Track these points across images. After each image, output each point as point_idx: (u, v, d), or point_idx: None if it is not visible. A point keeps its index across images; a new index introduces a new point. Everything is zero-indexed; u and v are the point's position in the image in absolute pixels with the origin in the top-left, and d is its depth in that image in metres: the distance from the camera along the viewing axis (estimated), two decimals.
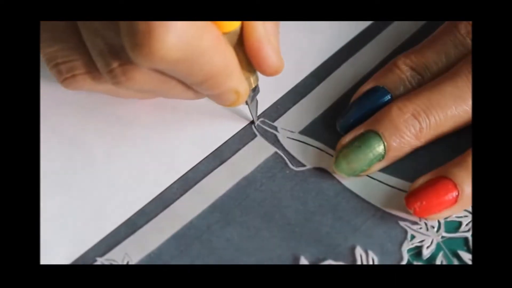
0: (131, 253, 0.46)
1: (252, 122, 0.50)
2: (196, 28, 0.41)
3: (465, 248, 0.46)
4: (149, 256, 0.46)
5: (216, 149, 0.49)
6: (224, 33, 0.44)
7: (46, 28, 0.45)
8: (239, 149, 0.49)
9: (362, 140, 0.47)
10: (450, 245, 0.46)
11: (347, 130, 0.49)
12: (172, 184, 0.48)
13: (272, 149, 0.49)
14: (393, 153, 0.47)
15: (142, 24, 0.40)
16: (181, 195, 0.48)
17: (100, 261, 0.45)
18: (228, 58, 0.44)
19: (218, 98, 0.46)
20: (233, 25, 0.44)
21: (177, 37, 0.40)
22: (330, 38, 0.54)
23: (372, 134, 0.47)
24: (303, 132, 0.50)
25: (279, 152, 0.49)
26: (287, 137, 0.50)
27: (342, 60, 0.53)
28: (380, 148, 0.47)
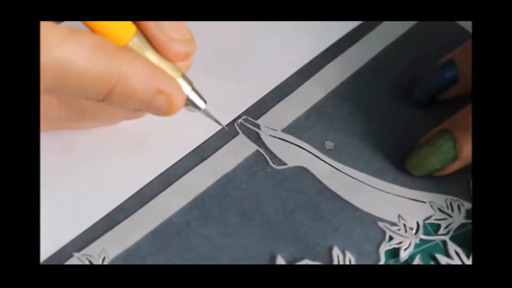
0: (108, 248, 0.46)
1: (234, 120, 0.50)
2: (54, 35, 0.40)
3: (443, 251, 0.45)
4: (126, 252, 0.46)
5: (197, 146, 0.49)
6: (125, 45, 0.43)
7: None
8: (221, 146, 0.49)
9: (435, 140, 0.47)
10: (427, 248, 0.46)
11: (424, 101, 0.50)
12: (152, 180, 0.48)
13: (253, 147, 0.49)
14: (467, 153, 0.47)
15: None
16: (161, 191, 0.48)
17: (76, 256, 0.45)
18: (126, 61, 0.42)
19: (148, 106, 0.44)
20: (127, 36, 0.43)
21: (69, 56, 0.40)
22: (318, 37, 0.54)
23: (446, 134, 0.47)
24: (286, 130, 0.50)
25: (261, 150, 0.49)
26: (270, 135, 0.50)
27: (328, 59, 0.53)
28: (452, 150, 0.47)
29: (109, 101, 0.43)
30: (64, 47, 0.40)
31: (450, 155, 0.47)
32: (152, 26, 0.43)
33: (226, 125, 0.50)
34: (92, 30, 0.42)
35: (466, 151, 0.47)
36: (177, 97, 0.44)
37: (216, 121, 0.47)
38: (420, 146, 0.48)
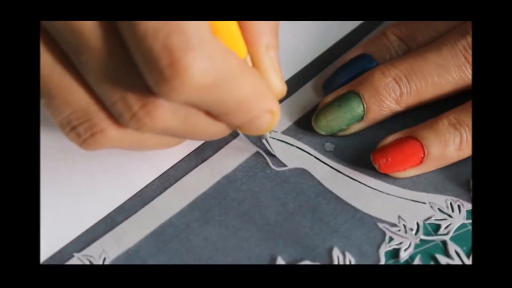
0: (108, 249, 0.46)
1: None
2: (219, 51, 0.40)
3: (443, 251, 0.45)
4: (126, 253, 0.46)
5: (198, 147, 0.49)
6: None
7: (54, 94, 0.42)
8: (221, 147, 0.49)
9: (343, 100, 0.49)
10: (428, 248, 0.45)
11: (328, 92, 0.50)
12: (152, 181, 0.48)
13: (254, 149, 0.49)
14: (372, 115, 0.48)
15: (164, 59, 0.38)
16: (161, 192, 0.48)
17: (77, 256, 0.45)
18: (257, 79, 0.43)
19: (252, 123, 0.44)
20: (243, 53, 0.44)
21: (205, 62, 0.39)
22: (318, 38, 0.54)
23: (353, 95, 0.48)
24: (286, 132, 0.50)
25: (261, 151, 0.49)
26: (270, 137, 0.50)
27: (329, 61, 0.53)
28: (359, 109, 0.48)
29: (227, 117, 0.43)
30: (230, 66, 0.41)
31: (357, 116, 0.48)
32: (266, 59, 0.45)
33: None
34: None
35: (372, 112, 0.48)
36: (278, 117, 0.45)
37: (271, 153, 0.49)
38: (327, 105, 0.49)
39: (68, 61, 0.42)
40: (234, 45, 0.43)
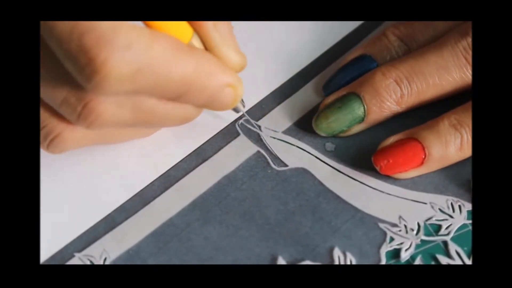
0: (109, 249, 0.46)
1: (236, 121, 0.50)
2: (138, 39, 0.41)
3: (444, 251, 0.45)
4: (127, 252, 0.46)
5: (198, 147, 0.49)
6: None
7: None
8: (222, 147, 0.49)
9: (343, 101, 0.49)
10: (428, 249, 0.46)
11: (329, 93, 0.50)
12: (153, 181, 0.48)
13: (254, 148, 0.49)
14: (373, 117, 0.48)
15: (81, 58, 0.40)
16: (162, 192, 0.48)
17: (78, 256, 0.45)
18: (201, 57, 0.43)
19: (214, 100, 0.45)
20: (188, 35, 0.44)
21: (121, 53, 0.40)
22: (319, 38, 0.54)
23: (354, 96, 0.48)
24: (287, 132, 0.50)
25: (262, 151, 0.49)
26: (270, 137, 0.50)
27: (329, 61, 0.53)
28: (360, 111, 0.48)
29: (183, 99, 0.44)
30: (154, 50, 0.41)
31: (358, 117, 0.48)
32: (214, 35, 0.45)
33: (227, 126, 0.50)
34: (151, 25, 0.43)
35: (373, 114, 0.48)
36: (240, 89, 0.45)
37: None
38: (328, 107, 0.49)
39: None
40: (174, 30, 0.43)
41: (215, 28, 0.45)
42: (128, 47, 0.40)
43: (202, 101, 0.45)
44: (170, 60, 0.42)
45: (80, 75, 0.40)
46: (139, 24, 0.41)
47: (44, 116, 0.44)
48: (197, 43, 0.45)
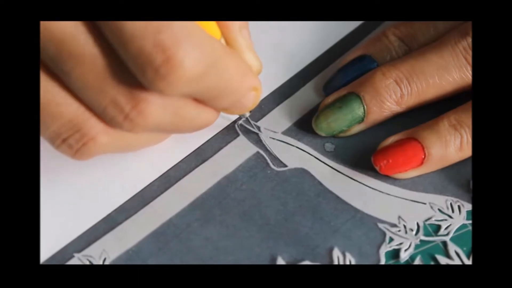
0: (109, 249, 0.46)
1: (235, 121, 0.50)
2: (205, 39, 0.41)
3: (443, 252, 0.45)
4: (127, 253, 0.46)
5: (198, 148, 0.49)
6: None
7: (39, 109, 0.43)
8: (221, 148, 0.49)
9: (344, 101, 0.49)
10: (428, 249, 0.46)
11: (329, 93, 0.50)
12: (153, 181, 0.48)
13: (254, 149, 0.49)
14: (373, 117, 0.48)
15: (158, 56, 0.39)
16: (162, 192, 0.48)
17: (77, 256, 0.45)
18: (239, 59, 0.44)
19: (239, 103, 0.45)
20: (218, 36, 0.45)
21: (196, 53, 0.40)
22: (319, 38, 0.54)
23: (354, 96, 0.48)
24: (286, 132, 0.50)
25: (261, 151, 0.49)
26: (270, 137, 0.50)
27: (329, 61, 0.53)
28: (360, 111, 0.48)
29: (215, 102, 0.44)
30: (217, 51, 0.41)
31: (358, 117, 0.48)
32: (240, 40, 0.45)
33: (227, 126, 0.50)
34: None
35: (373, 114, 0.48)
36: (261, 93, 0.46)
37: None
38: (328, 107, 0.49)
39: (50, 72, 0.42)
40: (210, 30, 0.44)
41: (240, 32, 0.45)
42: (200, 47, 0.40)
43: (228, 104, 0.45)
44: (224, 62, 0.42)
45: (153, 73, 0.39)
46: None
47: (79, 118, 0.42)
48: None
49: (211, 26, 0.44)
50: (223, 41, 0.45)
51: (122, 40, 0.40)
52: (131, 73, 0.41)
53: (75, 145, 0.43)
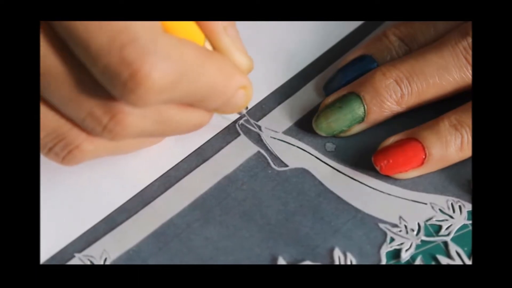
0: (109, 249, 0.46)
1: (236, 121, 0.50)
2: (174, 46, 0.41)
3: (444, 252, 0.45)
4: (127, 253, 0.46)
5: (198, 147, 0.49)
6: None
7: None
8: (222, 147, 0.49)
9: (344, 101, 0.49)
10: (429, 249, 0.46)
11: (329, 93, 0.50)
12: (153, 181, 0.48)
13: (255, 149, 0.49)
14: (373, 117, 0.48)
15: (123, 72, 0.39)
16: (162, 192, 0.48)
17: (78, 257, 0.45)
18: (221, 61, 0.44)
19: (229, 103, 0.45)
20: (201, 40, 0.45)
21: (162, 63, 0.40)
22: (319, 38, 0.54)
23: (354, 96, 0.48)
24: (287, 132, 0.50)
25: (262, 151, 0.49)
26: (271, 137, 0.50)
27: (330, 61, 0.53)
28: (360, 111, 0.48)
29: (202, 104, 0.44)
30: (187, 58, 0.41)
31: (358, 117, 0.48)
32: (225, 40, 0.45)
33: (227, 126, 0.50)
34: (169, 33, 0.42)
35: (373, 114, 0.48)
36: (251, 91, 0.46)
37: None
38: (328, 107, 0.49)
39: None
40: (190, 35, 0.44)
41: (225, 32, 0.45)
42: (167, 57, 0.40)
43: (217, 105, 0.45)
44: (200, 66, 0.42)
45: (121, 88, 0.40)
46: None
47: (63, 129, 0.43)
48: (209, 47, 0.45)
49: (192, 31, 0.44)
50: (207, 43, 0.45)
51: (89, 57, 0.40)
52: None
53: (60, 153, 0.44)
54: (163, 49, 0.40)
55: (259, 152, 0.49)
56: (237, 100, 0.45)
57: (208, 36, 0.45)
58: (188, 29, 0.44)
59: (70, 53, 0.41)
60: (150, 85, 0.40)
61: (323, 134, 0.49)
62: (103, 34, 0.39)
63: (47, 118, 0.43)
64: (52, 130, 0.43)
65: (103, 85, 0.41)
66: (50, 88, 0.42)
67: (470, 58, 0.47)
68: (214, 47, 0.45)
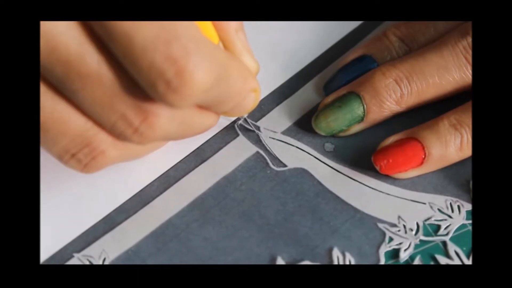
0: (108, 249, 0.46)
1: (235, 121, 0.50)
2: (211, 48, 0.41)
3: (443, 252, 0.45)
4: (126, 253, 0.46)
5: (197, 148, 0.49)
6: None
7: (47, 127, 0.42)
8: (221, 148, 0.49)
9: (343, 100, 0.49)
10: (427, 249, 0.46)
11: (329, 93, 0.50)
12: (152, 181, 0.48)
13: (253, 149, 0.49)
14: (372, 116, 0.48)
15: (169, 69, 0.39)
16: (161, 192, 0.48)
17: (77, 256, 0.45)
18: (239, 63, 0.44)
19: (240, 106, 0.45)
20: (216, 41, 0.45)
21: (206, 63, 0.39)
22: (318, 38, 0.54)
23: (353, 95, 0.48)
24: (286, 132, 0.50)
25: (261, 151, 0.49)
26: (269, 137, 0.50)
27: (329, 61, 0.53)
28: (359, 110, 0.48)
29: (218, 107, 0.44)
30: (223, 59, 0.41)
31: (357, 117, 0.48)
32: (238, 43, 0.45)
33: (226, 126, 0.50)
34: None
35: (372, 113, 0.48)
36: (260, 94, 0.46)
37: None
38: (328, 106, 0.49)
39: (54, 90, 0.42)
40: (208, 34, 0.44)
41: (236, 34, 0.45)
42: (209, 58, 0.40)
43: (229, 108, 0.45)
44: (228, 69, 0.42)
45: (165, 86, 0.39)
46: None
47: (88, 133, 0.42)
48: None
49: (209, 30, 0.44)
50: (221, 44, 0.45)
51: (133, 54, 0.39)
52: (139, 86, 0.40)
53: (84, 160, 0.43)
54: (204, 49, 0.40)
55: (258, 152, 0.49)
56: (246, 103, 0.45)
57: (221, 38, 0.45)
58: (207, 30, 0.44)
59: (107, 53, 0.40)
60: (194, 85, 0.39)
61: (323, 134, 0.49)
62: (149, 29, 0.39)
63: (73, 123, 0.42)
64: (77, 135, 0.42)
65: (142, 84, 0.40)
66: (84, 91, 0.41)
67: (470, 58, 0.47)
68: (226, 49, 0.45)
